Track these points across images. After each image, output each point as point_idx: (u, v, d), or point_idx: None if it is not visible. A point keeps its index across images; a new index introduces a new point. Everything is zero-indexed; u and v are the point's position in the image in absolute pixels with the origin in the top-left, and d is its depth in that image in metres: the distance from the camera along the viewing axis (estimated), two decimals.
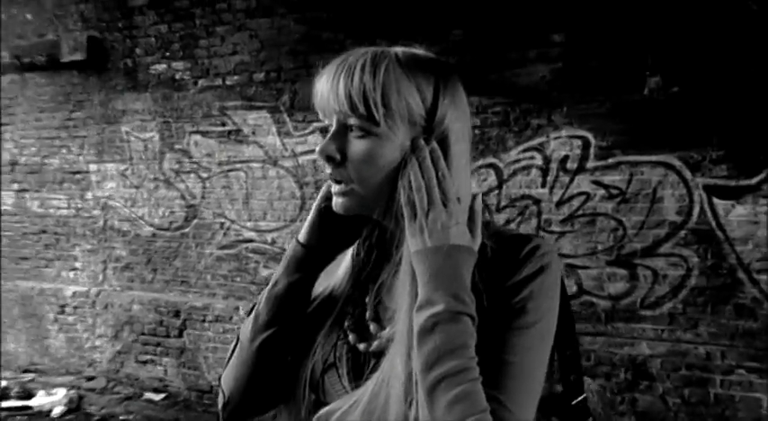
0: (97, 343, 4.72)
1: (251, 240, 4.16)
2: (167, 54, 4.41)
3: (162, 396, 4.25)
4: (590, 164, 3.14)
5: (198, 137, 4.33)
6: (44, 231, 5.07)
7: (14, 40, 5.13)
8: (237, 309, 4.12)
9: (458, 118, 0.75)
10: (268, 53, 4.06)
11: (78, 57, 4.66)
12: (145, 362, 4.47)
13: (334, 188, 0.76)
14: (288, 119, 4.07)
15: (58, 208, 4.99)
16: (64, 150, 4.94)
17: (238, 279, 4.19)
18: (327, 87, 0.73)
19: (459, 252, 0.68)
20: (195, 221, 4.36)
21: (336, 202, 0.76)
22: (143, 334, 4.48)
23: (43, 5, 5.01)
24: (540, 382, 0.70)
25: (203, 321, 4.24)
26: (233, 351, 0.86)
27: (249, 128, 4.16)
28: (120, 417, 3.94)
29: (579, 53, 3.17)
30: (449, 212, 0.70)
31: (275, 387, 0.83)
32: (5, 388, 4.63)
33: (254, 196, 4.16)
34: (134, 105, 4.55)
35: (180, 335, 4.33)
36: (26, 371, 4.99)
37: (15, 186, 5.26)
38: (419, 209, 0.70)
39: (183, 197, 4.40)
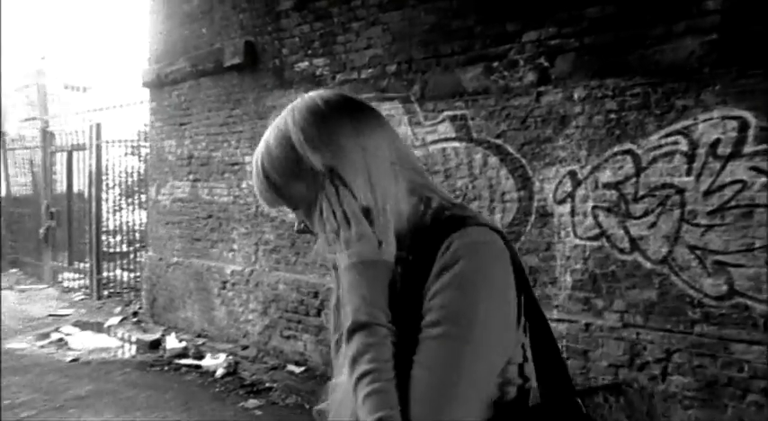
0: (250, 317, 5.28)
1: None
2: (309, 52, 4.73)
3: (302, 369, 4.63)
4: (748, 148, 2.74)
5: None
6: (210, 216, 5.78)
7: (192, 51, 5.89)
8: None
9: (337, 149, 0.83)
10: (399, 45, 4.16)
11: (237, 60, 5.22)
12: (288, 338, 4.90)
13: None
14: (418, 108, 4.13)
15: (221, 195, 5.65)
16: (225, 144, 5.57)
17: None
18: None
19: (364, 267, 0.78)
20: None
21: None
22: (287, 311, 4.91)
23: (213, 19, 5.67)
24: (458, 384, 0.71)
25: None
26: None
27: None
28: (266, 384, 4.38)
29: (740, 18, 2.77)
30: (351, 231, 0.80)
31: None
32: (185, 347, 5.41)
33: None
34: (281, 101, 4.97)
35: (318, 314, 4.66)
36: (198, 335, 5.76)
37: (191, 177, 6.06)
38: (329, 234, 0.82)
39: None
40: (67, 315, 7.02)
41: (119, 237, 8.23)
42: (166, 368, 5.00)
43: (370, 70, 4.36)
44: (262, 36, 5.13)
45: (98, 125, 7.77)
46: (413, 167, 0.90)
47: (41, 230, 8.85)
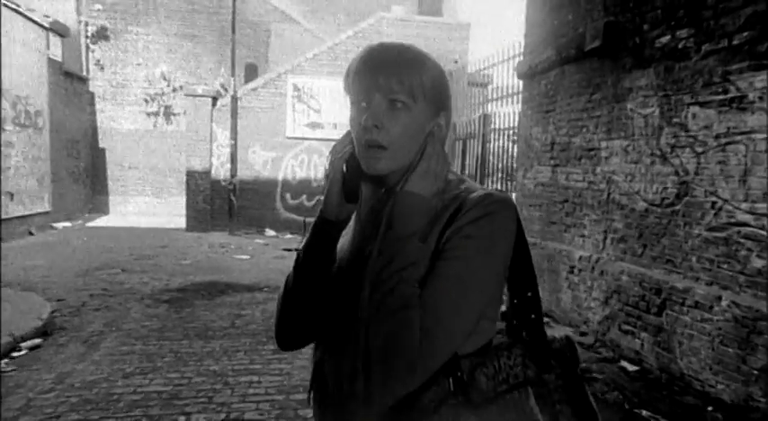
0: (592, 304, 5.18)
1: (745, 224, 3.59)
2: (672, 23, 4.25)
3: (635, 368, 4.32)
4: None
5: (696, 108, 4.02)
6: (566, 201, 5.87)
7: (559, 39, 6.06)
8: (720, 298, 3.68)
9: (449, 107, 1.03)
10: None
11: (596, 43, 5.10)
12: (626, 332, 4.62)
13: (370, 152, 0.94)
14: None
15: (576, 181, 5.67)
16: (584, 130, 5.54)
17: (725, 266, 3.72)
18: (380, 72, 0.94)
19: (411, 197, 0.92)
20: (686, 199, 4.11)
21: (373, 165, 0.94)
22: (627, 304, 4.63)
23: (579, 3, 5.68)
24: (461, 320, 0.87)
25: (682, 304, 4.00)
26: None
27: (755, 93, 3.55)
28: (593, 374, 4.28)
29: None
30: (437, 168, 0.96)
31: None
32: None
33: (754, 173, 3.55)
34: (638, 82, 4.63)
35: (659, 313, 4.24)
36: (546, 315, 6.01)
37: (552, 162, 6.28)
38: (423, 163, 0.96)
39: (676, 173, 4.22)
40: None
41: None
42: None
43: (744, 34, 3.63)
44: (623, 14, 4.86)
45: (485, 116, 8.78)
46: None
47: None
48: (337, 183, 0.97)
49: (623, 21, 4.86)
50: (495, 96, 9.46)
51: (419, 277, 0.87)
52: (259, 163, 12.84)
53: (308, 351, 1.10)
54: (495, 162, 9.16)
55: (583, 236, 5.50)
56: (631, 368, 4.34)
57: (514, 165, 8.89)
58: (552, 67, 6.15)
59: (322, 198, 0.99)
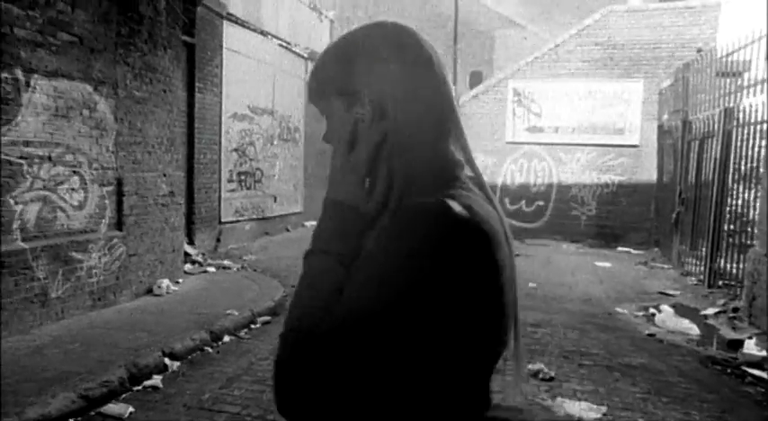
0: None
1: None
2: None
3: None
4: None
5: None
6: None
7: None
8: None
9: (385, 86, 0.80)
10: None
11: None
12: None
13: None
14: None
15: None
16: None
17: None
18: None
19: (334, 207, 0.81)
20: None
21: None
22: None
23: None
24: (354, 318, 0.71)
25: None
26: None
27: None
28: None
29: None
30: (346, 171, 0.82)
31: None
32: (764, 358, 4.82)
33: None
34: None
35: None
36: None
37: None
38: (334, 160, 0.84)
39: None
40: (674, 295, 7.38)
41: (740, 227, 7.77)
42: (729, 371, 4.67)
43: None
44: None
45: (726, 110, 7.55)
46: (448, 129, 0.84)
47: (673, 215, 9.44)
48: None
49: None
50: (747, 84, 8.01)
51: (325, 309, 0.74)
52: (480, 168, 13.06)
53: None
54: (744, 163, 7.77)
55: None
56: None
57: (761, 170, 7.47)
58: None
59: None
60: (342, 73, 0.82)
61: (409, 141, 0.81)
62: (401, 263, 0.69)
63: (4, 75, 4.53)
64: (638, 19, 11.55)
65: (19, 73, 4.66)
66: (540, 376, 4.31)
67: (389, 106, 0.80)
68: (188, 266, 7.53)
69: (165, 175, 6.61)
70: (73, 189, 5.29)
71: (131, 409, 3.59)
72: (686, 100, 9.33)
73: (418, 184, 0.80)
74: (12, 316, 4.61)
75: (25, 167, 4.76)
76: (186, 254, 7.63)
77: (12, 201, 4.65)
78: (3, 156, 4.54)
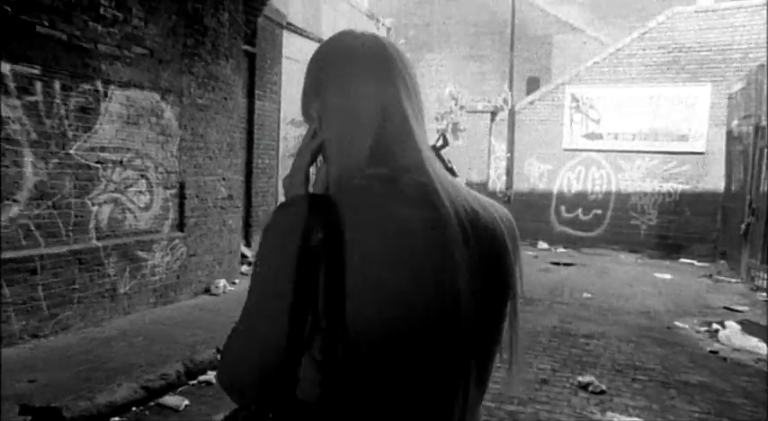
0: None
1: None
2: None
3: None
4: None
5: None
6: None
7: None
8: None
9: (330, 95, 0.84)
10: None
11: None
12: None
13: None
14: None
15: None
16: None
17: None
18: None
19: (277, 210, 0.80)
20: None
21: None
22: None
23: None
24: (252, 322, 0.84)
25: None
26: None
27: None
28: None
29: None
30: (291, 175, 0.86)
31: None
32: None
33: None
34: None
35: None
36: None
37: None
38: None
39: None
40: (741, 311, 7.00)
41: None
42: None
43: None
44: None
45: None
46: (397, 133, 0.81)
47: (742, 226, 8.95)
48: None
49: None
50: None
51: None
52: (534, 175, 12.91)
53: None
54: None
55: None
56: None
57: None
58: None
59: None
60: (314, 71, 0.87)
61: (337, 151, 0.83)
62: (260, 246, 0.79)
63: (88, 86, 4.90)
64: (706, 20, 11.06)
65: (99, 84, 5.03)
66: (591, 389, 4.20)
67: (328, 117, 0.84)
68: (244, 268, 7.80)
69: (224, 179, 6.90)
70: (140, 191, 5.62)
71: (187, 402, 3.77)
72: (759, 104, 8.85)
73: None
74: (87, 309, 4.96)
75: (101, 171, 5.11)
76: (243, 255, 7.90)
77: (89, 203, 5.00)
78: (83, 161, 4.90)
